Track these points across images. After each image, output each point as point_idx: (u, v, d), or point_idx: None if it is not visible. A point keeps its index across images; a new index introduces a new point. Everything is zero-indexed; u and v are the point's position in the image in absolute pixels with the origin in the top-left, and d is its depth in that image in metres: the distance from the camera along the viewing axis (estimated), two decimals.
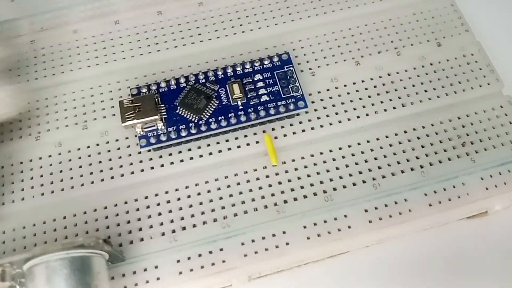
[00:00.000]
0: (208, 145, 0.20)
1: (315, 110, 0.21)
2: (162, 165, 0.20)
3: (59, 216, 0.19)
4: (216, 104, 0.20)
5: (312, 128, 0.20)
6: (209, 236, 0.18)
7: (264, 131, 0.20)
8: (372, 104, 0.21)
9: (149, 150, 0.20)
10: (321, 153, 0.20)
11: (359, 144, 0.20)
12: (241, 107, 0.20)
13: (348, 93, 0.21)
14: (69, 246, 0.15)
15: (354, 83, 0.21)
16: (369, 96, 0.21)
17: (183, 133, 0.20)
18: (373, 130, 0.20)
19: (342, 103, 0.21)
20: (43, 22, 0.23)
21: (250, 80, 0.21)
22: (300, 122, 0.20)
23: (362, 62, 0.22)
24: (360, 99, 0.21)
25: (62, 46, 0.23)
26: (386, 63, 0.22)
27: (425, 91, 0.21)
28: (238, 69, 0.21)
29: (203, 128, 0.20)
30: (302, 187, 0.19)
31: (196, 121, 0.20)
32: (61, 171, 0.20)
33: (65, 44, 0.23)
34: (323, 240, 0.18)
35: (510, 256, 0.19)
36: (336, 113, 0.21)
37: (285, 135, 0.20)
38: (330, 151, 0.20)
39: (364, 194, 0.19)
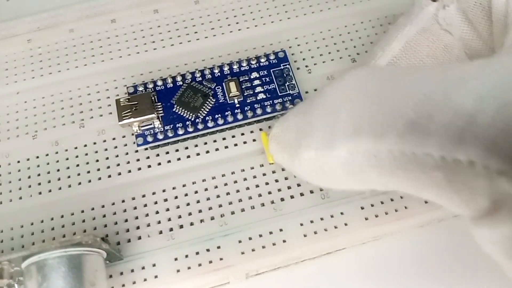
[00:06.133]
0: (205, 143, 0.20)
1: None
2: (159, 164, 0.20)
3: (56, 215, 0.19)
4: (212, 102, 0.20)
5: None
6: (206, 234, 0.18)
7: (261, 129, 0.20)
8: None
9: (146, 149, 0.20)
10: None
11: None
12: (237, 105, 0.20)
13: None
14: (67, 244, 0.15)
15: None
16: None
17: (180, 131, 0.20)
18: None
19: None
20: (39, 21, 0.23)
21: (247, 78, 0.21)
22: None
23: (358, 59, 0.22)
24: None
25: (59, 45, 0.23)
26: None
27: None
28: (235, 67, 0.21)
29: (200, 126, 0.20)
30: (298, 185, 0.19)
31: (193, 119, 0.20)
32: (58, 170, 0.20)
33: (62, 43, 0.23)
34: (319, 237, 0.18)
35: None
36: None
37: None
38: None
39: (361, 192, 0.19)
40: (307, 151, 0.15)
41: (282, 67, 0.21)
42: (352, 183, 0.14)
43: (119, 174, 0.20)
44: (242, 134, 0.20)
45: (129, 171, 0.20)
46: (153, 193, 0.19)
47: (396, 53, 0.18)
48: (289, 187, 0.19)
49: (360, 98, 0.13)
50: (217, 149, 0.20)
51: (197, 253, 0.18)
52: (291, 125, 0.16)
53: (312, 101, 0.15)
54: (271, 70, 0.21)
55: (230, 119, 0.20)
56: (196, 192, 0.19)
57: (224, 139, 0.20)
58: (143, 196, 0.19)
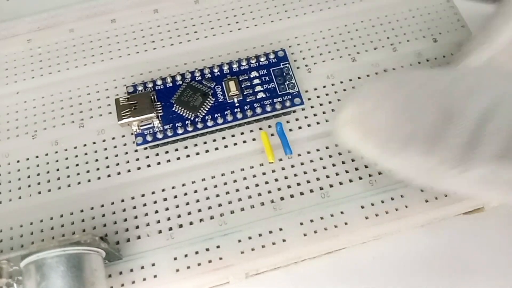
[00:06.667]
0: (205, 142, 0.20)
1: (312, 107, 0.21)
2: (159, 163, 0.20)
3: (56, 214, 0.19)
4: (212, 102, 0.20)
5: (309, 125, 0.20)
6: (206, 233, 0.18)
7: (260, 128, 0.20)
8: None
9: (146, 148, 0.20)
10: (318, 150, 0.20)
11: None
12: (237, 104, 0.20)
13: (344, 90, 0.21)
14: (65, 244, 0.15)
15: (350, 80, 0.21)
16: None
17: (180, 131, 0.20)
18: None
19: (339, 100, 0.21)
20: (40, 21, 0.23)
21: (246, 77, 0.21)
22: (297, 119, 0.20)
23: (358, 58, 0.22)
24: None
25: (59, 45, 0.23)
26: (382, 60, 0.22)
27: None
28: (234, 66, 0.21)
29: (199, 125, 0.20)
30: (298, 184, 0.19)
31: (192, 118, 0.20)
32: (58, 170, 0.20)
33: (62, 43, 0.23)
34: (319, 236, 0.18)
35: (507, 252, 0.19)
36: (333, 110, 0.21)
37: None
38: (327, 148, 0.20)
39: (360, 191, 0.19)
40: (427, 161, 0.13)
41: (281, 66, 0.21)
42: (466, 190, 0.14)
43: (119, 173, 0.20)
44: (242, 133, 0.20)
45: (129, 171, 0.20)
46: (153, 193, 0.19)
47: (503, 48, 0.15)
48: (289, 186, 0.19)
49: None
50: (216, 149, 0.20)
51: (197, 252, 0.18)
52: (379, 111, 0.14)
53: (406, 86, 0.14)
54: (271, 69, 0.21)
55: (229, 118, 0.20)
56: (195, 191, 0.19)
57: (223, 138, 0.20)
58: (143, 195, 0.19)
